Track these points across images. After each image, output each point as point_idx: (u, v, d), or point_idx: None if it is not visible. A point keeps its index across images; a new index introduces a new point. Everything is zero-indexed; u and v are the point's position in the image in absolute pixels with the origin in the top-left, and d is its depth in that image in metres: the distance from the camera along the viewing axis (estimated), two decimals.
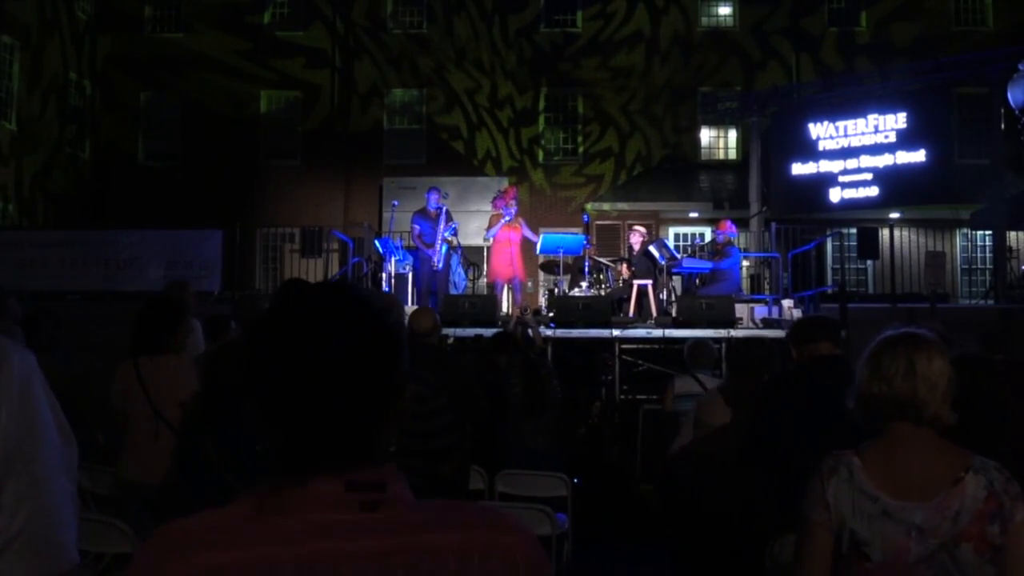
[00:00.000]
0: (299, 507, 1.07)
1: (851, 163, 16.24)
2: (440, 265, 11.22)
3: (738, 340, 5.04)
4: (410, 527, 1.08)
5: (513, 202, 11.50)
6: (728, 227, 11.86)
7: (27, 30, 18.89)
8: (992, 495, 2.01)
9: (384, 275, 11.74)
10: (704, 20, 21.61)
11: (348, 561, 1.05)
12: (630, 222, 16.72)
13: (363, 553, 1.06)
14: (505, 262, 11.37)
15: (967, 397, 2.17)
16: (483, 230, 11.96)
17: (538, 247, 12.05)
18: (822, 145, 16.59)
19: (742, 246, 17.54)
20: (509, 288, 11.64)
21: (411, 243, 11.78)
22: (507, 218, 11.32)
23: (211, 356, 3.34)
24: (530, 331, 8.27)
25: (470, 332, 9.47)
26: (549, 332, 9.82)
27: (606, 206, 20.24)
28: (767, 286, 15.44)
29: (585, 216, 15.65)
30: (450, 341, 9.51)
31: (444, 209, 11.35)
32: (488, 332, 9.35)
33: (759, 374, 4.55)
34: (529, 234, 11.70)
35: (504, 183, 17.01)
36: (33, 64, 19.14)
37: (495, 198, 11.91)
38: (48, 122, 19.59)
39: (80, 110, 21.10)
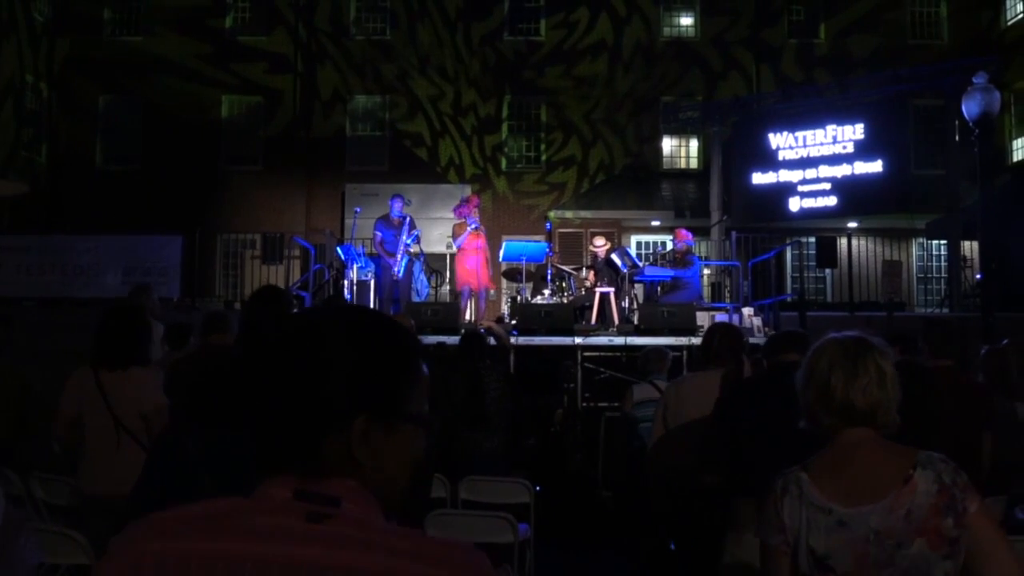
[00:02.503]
0: (254, 509, 1.11)
1: (810, 173, 16.46)
2: (400, 274, 11.18)
3: (717, 325, 4.96)
4: (346, 545, 1.08)
5: (476, 210, 11.50)
6: (685, 235, 11.97)
7: None
8: (943, 489, 2.00)
9: (346, 282, 11.67)
10: (666, 30, 21.79)
11: (279, 567, 1.06)
12: (592, 230, 16.81)
13: (293, 562, 1.06)
14: (469, 270, 11.36)
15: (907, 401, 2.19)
16: (446, 237, 11.95)
17: (501, 254, 12.06)
18: (782, 155, 16.80)
19: (703, 255, 17.71)
20: (474, 296, 11.64)
21: (373, 250, 11.73)
22: (472, 226, 11.32)
23: (180, 361, 3.30)
24: (492, 340, 8.27)
25: (432, 340, 9.45)
26: (512, 340, 9.82)
27: (569, 214, 20.32)
28: (728, 294, 15.60)
29: (548, 224, 15.70)
30: None
31: (408, 218, 11.31)
32: (450, 340, 9.35)
33: (735, 362, 4.44)
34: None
35: (467, 190, 17.01)
36: None
37: (458, 206, 11.90)
38: (4, 125, 19.27)
39: (37, 113, 20.76)
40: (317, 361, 1.13)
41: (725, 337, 4.47)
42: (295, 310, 4.14)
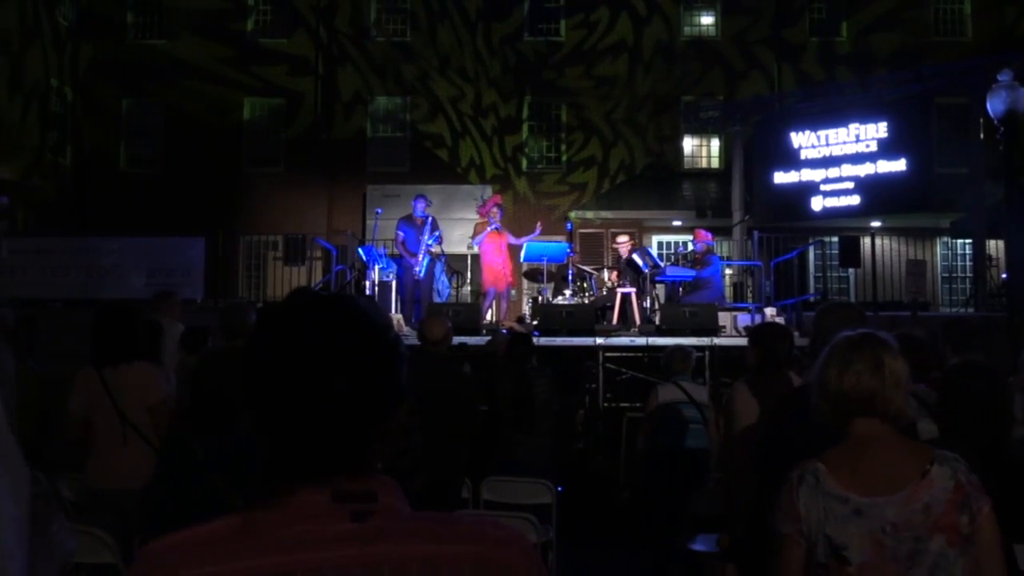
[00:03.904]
0: (288, 518, 1.08)
1: (833, 172, 16.34)
2: (422, 275, 11.18)
3: (758, 326, 4.84)
4: (401, 536, 1.08)
5: (496, 210, 11.49)
6: (704, 236, 11.92)
7: (8, 36, 18.75)
8: (959, 486, 2.03)
9: (367, 283, 11.71)
10: (687, 30, 21.71)
11: (336, 570, 1.05)
12: (614, 230, 16.77)
13: (351, 562, 1.06)
14: (493, 270, 11.35)
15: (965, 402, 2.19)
16: (467, 238, 11.95)
17: (522, 254, 12.06)
18: (804, 154, 16.69)
19: (724, 254, 17.64)
20: (498, 297, 11.62)
21: (395, 250, 11.75)
22: (493, 226, 11.32)
23: (198, 364, 3.32)
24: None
25: (454, 341, 9.44)
26: (533, 340, 9.81)
27: (589, 214, 20.28)
28: (750, 294, 15.52)
29: (568, 224, 15.69)
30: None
31: (430, 218, 11.30)
32: (472, 340, 9.35)
33: (784, 366, 4.32)
34: (515, 240, 11.73)
35: (488, 191, 17.02)
36: (14, 70, 18.99)
37: (480, 205, 11.93)
38: (29, 128, 19.46)
39: (62, 117, 20.95)
40: (380, 353, 1.13)
41: (791, 347, 4.37)
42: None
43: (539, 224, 12.08)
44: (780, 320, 11.37)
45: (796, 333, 10.48)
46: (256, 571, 1.04)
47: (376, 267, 11.63)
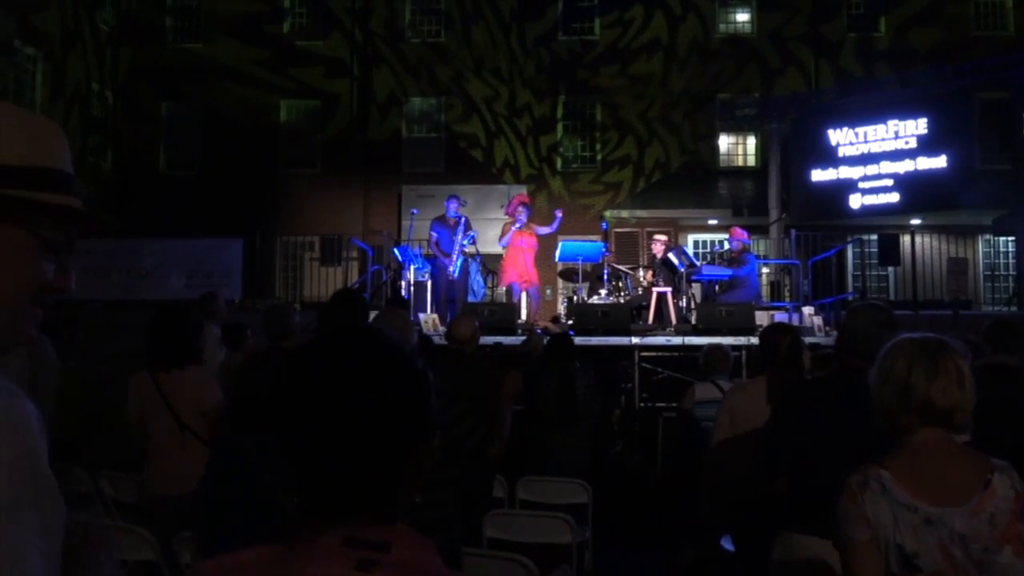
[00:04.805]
0: (302, 556, 1.07)
1: (871, 169, 16.16)
2: (456, 275, 11.21)
3: (770, 327, 4.80)
4: None
5: (522, 208, 11.49)
6: (740, 234, 11.82)
7: (50, 41, 19.08)
8: (1019, 495, 2.00)
9: (403, 283, 11.76)
10: (722, 27, 21.56)
11: None
12: (649, 229, 16.70)
13: None
14: (517, 268, 11.37)
15: (992, 405, 2.16)
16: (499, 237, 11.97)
17: (557, 254, 12.05)
18: (842, 151, 16.52)
19: (761, 253, 17.50)
20: (527, 295, 11.64)
21: (429, 251, 11.80)
22: (518, 225, 11.33)
23: (244, 365, 3.34)
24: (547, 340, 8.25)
25: (489, 340, 9.46)
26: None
27: (625, 213, 20.22)
28: (787, 293, 15.38)
29: (604, 223, 15.64)
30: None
31: (464, 219, 11.33)
32: (507, 340, 9.36)
33: (788, 365, 4.28)
34: (544, 230, 11.70)
35: (523, 191, 17.03)
36: (56, 75, 19.33)
37: (506, 204, 11.96)
38: (71, 132, 19.77)
39: (102, 120, 21.28)
40: (386, 398, 1.10)
41: (796, 342, 4.35)
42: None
43: (557, 213, 12.00)
44: (818, 320, 11.26)
45: (828, 330, 10.40)
46: None
47: (411, 267, 11.68)
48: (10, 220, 1.12)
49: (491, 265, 12.96)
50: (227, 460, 2.92)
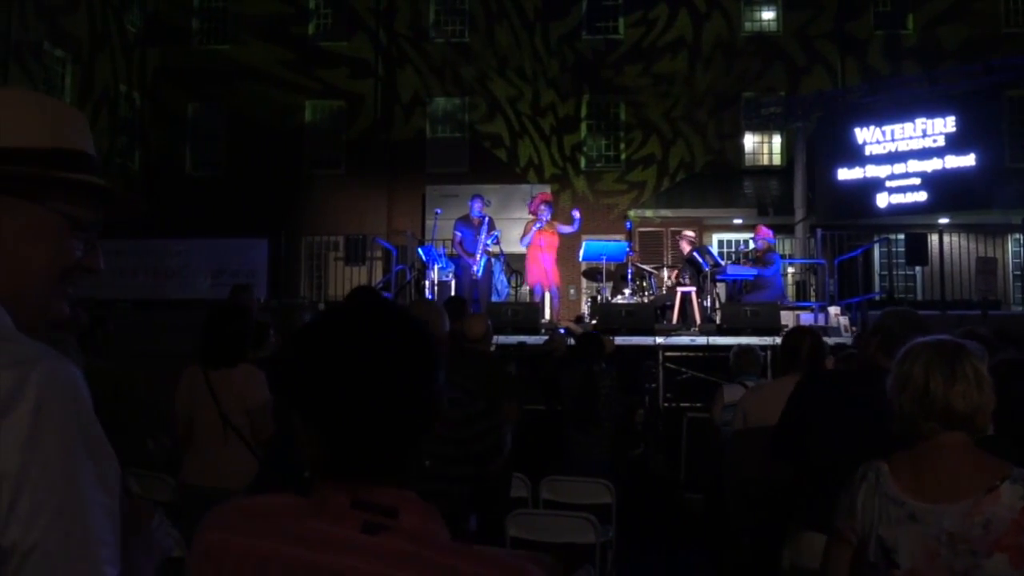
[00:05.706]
0: (316, 510, 1.11)
1: (899, 168, 16.02)
2: (479, 274, 11.22)
3: (792, 329, 4.78)
4: (400, 560, 1.06)
5: (544, 207, 11.47)
6: (765, 233, 11.74)
7: (79, 43, 19.29)
8: None
9: (427, 283, 11.79)
10: (747, 25, 21.44)
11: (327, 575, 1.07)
12: (673, 229, 16.64)
13: (347, 572, 1.06)
14: (539, 267, 11.36)
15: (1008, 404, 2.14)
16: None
17: (581, 253, 12.04)
18: (869, 150, 16.39)
19: (786, 252, 17.39)
20: (548, 294, 11.63)
21: (453, 251, 11.82)
22: (539, 224, 11.32)
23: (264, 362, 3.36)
24: (572, 340, 8.25)
25: (513, 340, 9.46)
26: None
27: (649, 213, 20.16)
28: (813, 293, 15.27)
29: (628, 223, 15.59)
30: (492, 348, 9.50)
31: (487, 218, 11.34)
32: (531, 340, 9.36)
33: (807, 365, 4.26)
34: (566, 229, 11.65)
35: (547, 191, 17.01)
36: (84, 77, 19.54)
37: (528, 203, 11.96)
38: (99, 133, 19.97)
39: (130, 121, 21.48)
40: (397, 363, 1.12)
41: (817, 344, 4.34)
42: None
43: (575, 212, 11.89)
44: (844, 320, 11.18)
45: (854, 330, 10.30)
46: (275, 555, 1.09)
47: (435, 267, 11.70)
48: (37, 200, 1.15)
49: (515, 265, 12.96)
50: (279, 457, 2.94)
